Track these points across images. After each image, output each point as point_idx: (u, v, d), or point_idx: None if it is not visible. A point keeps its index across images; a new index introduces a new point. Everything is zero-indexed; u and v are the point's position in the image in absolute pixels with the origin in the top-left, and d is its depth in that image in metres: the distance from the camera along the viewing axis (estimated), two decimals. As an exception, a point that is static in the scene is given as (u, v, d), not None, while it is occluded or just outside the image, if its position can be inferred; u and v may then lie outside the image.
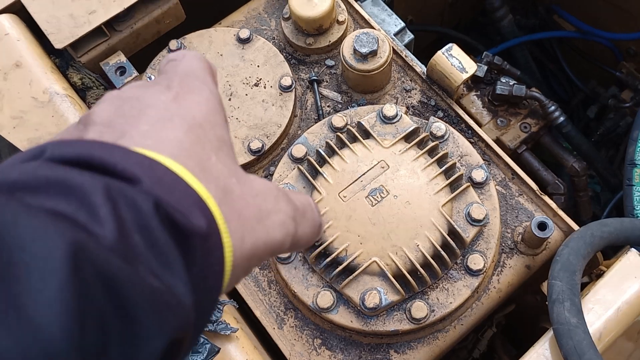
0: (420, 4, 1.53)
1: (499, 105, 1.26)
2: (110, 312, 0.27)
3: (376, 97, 1.00)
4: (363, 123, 0.90)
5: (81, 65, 1.00)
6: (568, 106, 1.72)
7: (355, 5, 1.07)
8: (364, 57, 0.94)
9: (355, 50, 0.94)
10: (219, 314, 0.78)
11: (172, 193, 0.32)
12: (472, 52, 1.53)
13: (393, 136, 0.90)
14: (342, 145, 0.90)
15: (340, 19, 1.03)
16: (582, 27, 1.58)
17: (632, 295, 0.80)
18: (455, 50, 0.94)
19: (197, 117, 0.38)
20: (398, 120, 0.91)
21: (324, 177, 0.86)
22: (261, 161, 0.96)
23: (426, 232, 0.82)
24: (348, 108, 0.99)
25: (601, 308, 0.79)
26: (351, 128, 0.91)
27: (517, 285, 0.88)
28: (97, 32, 0.98)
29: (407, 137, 0.90)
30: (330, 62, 1.04)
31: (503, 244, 0.89)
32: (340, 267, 0.81)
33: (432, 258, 0.81)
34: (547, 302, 0.76)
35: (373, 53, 0.93)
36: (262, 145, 0.94)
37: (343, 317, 0.83)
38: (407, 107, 0.99)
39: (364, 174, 0.85)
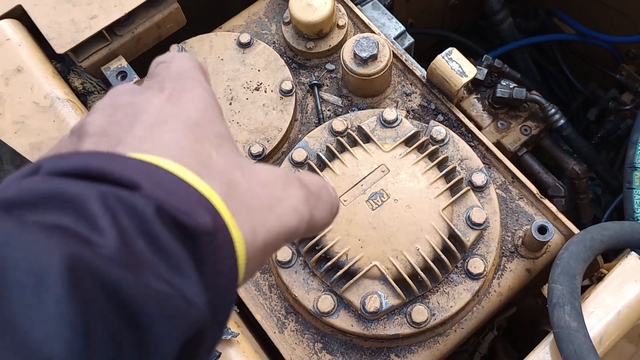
0: (420, 7, 1.53)
1: (499, 108, 1.26)
2: (119, 322, 0.26)
3: (376, 101, 1.01)
4: (363, 127, 0.90)
5: (82, 70, 1.00)
6: (568, 109, 1.72)
7: (356, 9, 1.07)
8: (364, 61, 0.94)
9: (355, 55, 0.94)
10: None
11: (174, 195, 0.32)
12: (473, 55, 1.54)
13: (393, 140, 0.90)
14: (342, 149, 0.90)
15: (341, 23, 1.03)
16: (582, 30, 1.58)
17: (632, 299, 0.80)
18: (455, 54, 0.94)
19: (192, 116, 0.38)
20: (398, 124, 0.91)
21: (325, 181, 0.86)
22: (262, 165, 0.96)
23: (426, 236, 0.82)
24: (348, 112, 0.99)
25: (601, 312, 0.79)
26: (351, 132, 0.91)
27: (518, 289, 0.89)
28: (98, 37, 0.99)
29: (408, 141, 0.90)
30: (330, 66, 1.04)
31: (503, 248, 0.90)
32: (341, 271, 0.81)
33: (432, 262, 0.81)
34: (547, 306, 0.76)
35: (373, 57, 0.94)
36: (263, 149, 0.94)
37: (344, 321, 0.83)
38: (408, 111, 1.00)
39: (364, 178, 0.86)
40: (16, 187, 0.30)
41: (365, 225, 0.83)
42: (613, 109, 1.54)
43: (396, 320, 0.82)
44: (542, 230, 0.83)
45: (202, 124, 0.38)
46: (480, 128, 1.24)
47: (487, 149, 0.95)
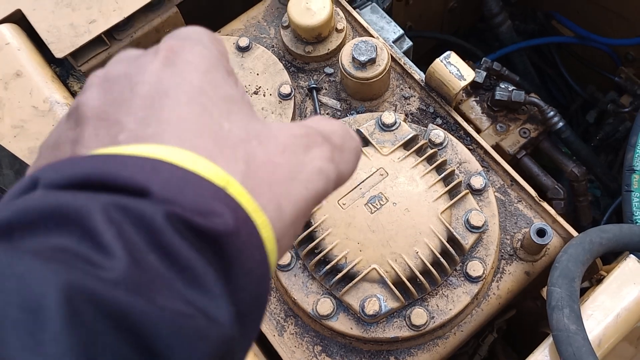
0: (419, 10, 1.53)
1: (498, 111, 1.27)
2: (130, 354, 0.24)
3: (375, 104, 1.01)
4: (362, 130, 0.91)
5: (82, 74, 1.00)
6: (567, 111, 1.72)
7: (354, 13, 1.07)
8: (362, 65, 0.94)
9: (354, 58, 0.94)
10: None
11: (185, 194, 0.29)
12: (471, 58, 1.54)
13: (392, 143, 0.90)
14: (341, 152, 0.90)
15: (339, 27, 1.03)
16: (580, 33, 1.58)
17: (631, 302, 0.80)
18: (453, 57, 0.94)
19: (194, 81, 0.34)
20: (397, 128, 0.91)
21: (324, 185, 0.86)
22: (261, 169, 0.97)
23: (425, 239, 0.82)
24: (347, 115, 1.00)
25: (600, 314, 0.79)
26: (350, 135, 0.91)
27: (517, 292, 0.89)
28: (97, 41, 0.99)
29: (406, 145, 0.90)
30: (329, 70, 1.04)
31: (502, 251, 0.90)
32: (340, 275, 0.81)
33: (431, 265, 0.81)
34: (546, 308, 0.76)
35: (372, 61, 0.94)
36: (262, 153, 0.94)
37: (343, 324, 0.83)
38: (406, 115, 1.00)
39: (363, 182, 0.86)
40: (13, 207, 0.27)
41: (364, 229, 0.83)
42: (612, 111, 1.54)
43: (395, 323, 0.82)
44: (541, 233, 0.83)
45: (207, 89, 0.34)
46: (479, 131, 1.25)
47: (486, 152, 0.95)
